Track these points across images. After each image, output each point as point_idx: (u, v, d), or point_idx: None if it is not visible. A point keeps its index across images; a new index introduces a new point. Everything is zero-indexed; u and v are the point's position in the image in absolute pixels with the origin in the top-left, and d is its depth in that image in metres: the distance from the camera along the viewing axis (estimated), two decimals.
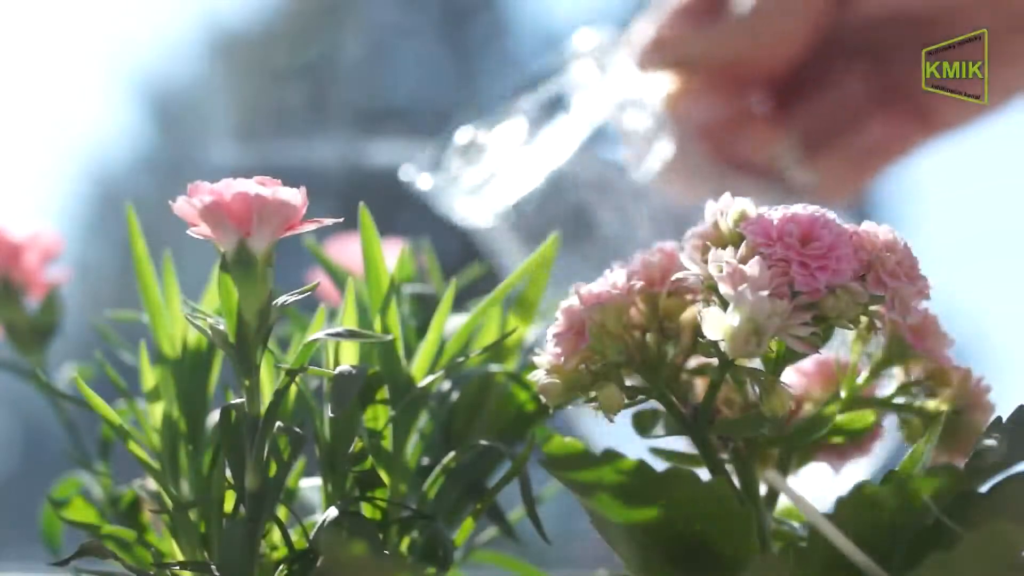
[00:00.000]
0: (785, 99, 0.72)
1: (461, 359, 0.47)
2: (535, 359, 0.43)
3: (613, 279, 0.43)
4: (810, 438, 0.44)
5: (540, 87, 0.66)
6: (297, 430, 0.43)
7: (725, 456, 0.43)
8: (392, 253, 0.46)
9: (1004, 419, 0.42)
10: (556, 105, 0.64)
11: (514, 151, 0.61)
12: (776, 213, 0.40)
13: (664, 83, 0.70)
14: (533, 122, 0.63)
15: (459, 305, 0.48)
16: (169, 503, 0.45)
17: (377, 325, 0.45)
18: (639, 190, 0.65)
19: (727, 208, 0.43)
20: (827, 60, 0.71)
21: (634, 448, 0.41)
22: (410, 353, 0.46)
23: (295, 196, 0.40)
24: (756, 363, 0.42)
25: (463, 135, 0.63)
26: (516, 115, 0.64)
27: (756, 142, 0.71)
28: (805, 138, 0.71)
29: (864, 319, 0.41)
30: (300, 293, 0.42)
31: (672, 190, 0.66)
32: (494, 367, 0.50)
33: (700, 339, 0.42)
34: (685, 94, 0.70)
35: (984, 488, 0.39)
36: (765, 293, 0.38)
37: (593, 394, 0.42)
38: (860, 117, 0.71)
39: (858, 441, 0.48)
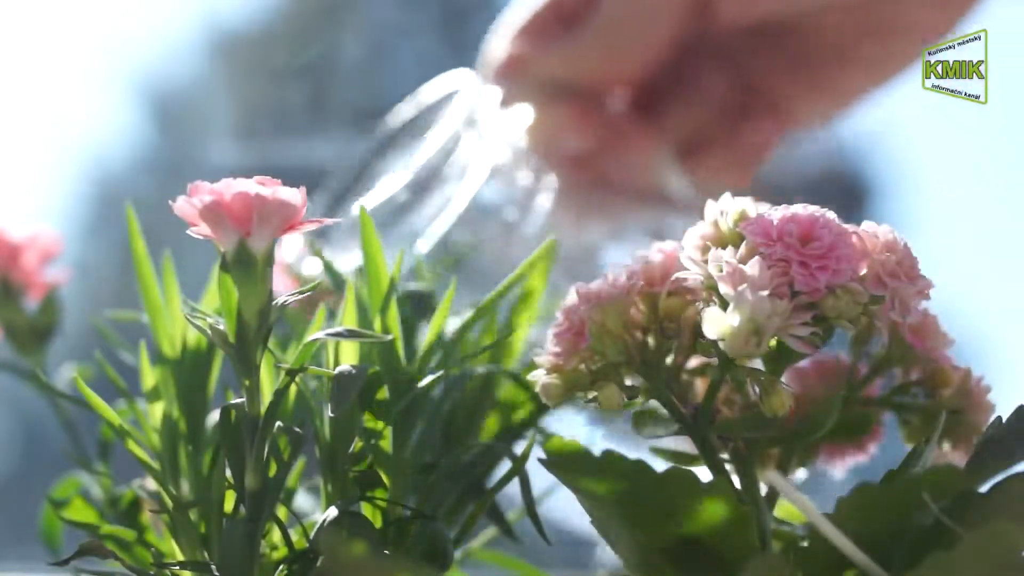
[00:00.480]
0: (650, 111, 0.71)
1: (461, 359, 0.47)
2: (535, 359, 0.43)
3: (613, 279, 0.43)
4: (810, 438, 0.44)
5: (406, 142, 0.64)
6: (297, 430, 0.43)
7: (725, 456, 0.43)
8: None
9: (1004, 419, 0.42)
10: (437, 162, 0.62)
11: (400, 221, 0.59)
12: (776, 213, 0.40)
13: (526, 115, 0.67)
14: (414, 185, 0.61)
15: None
16: (169, 503, 0.45)
17: (377, 325, 0.45)
18: (509, 224, 0.63)
19: (727, 208, 0.43)
20: (690, 68, 0.71)
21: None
22: (410, 353, 0.46)
23: (295, 196, 0.40)
24: (756, 363, 0.42)
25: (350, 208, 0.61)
26: (394, 176, 0.63)
27: (633, 160, 0.70)
28: (678, 149, 0.71)
29: (864, 319, 0.41)
30: (300, 293, 0.42)
31: (561, 229, 0.65)
32: (494, 367, 0.50)
33: (700, 339, 0.42)
34: (548, 123, 0.68)
35: (984, 488, 0.39)
36: (765, 293, 0.38)
37: (593, 394, 0.42)
38: (730, 123, 0.72)
39: (858, 441, 0.48)
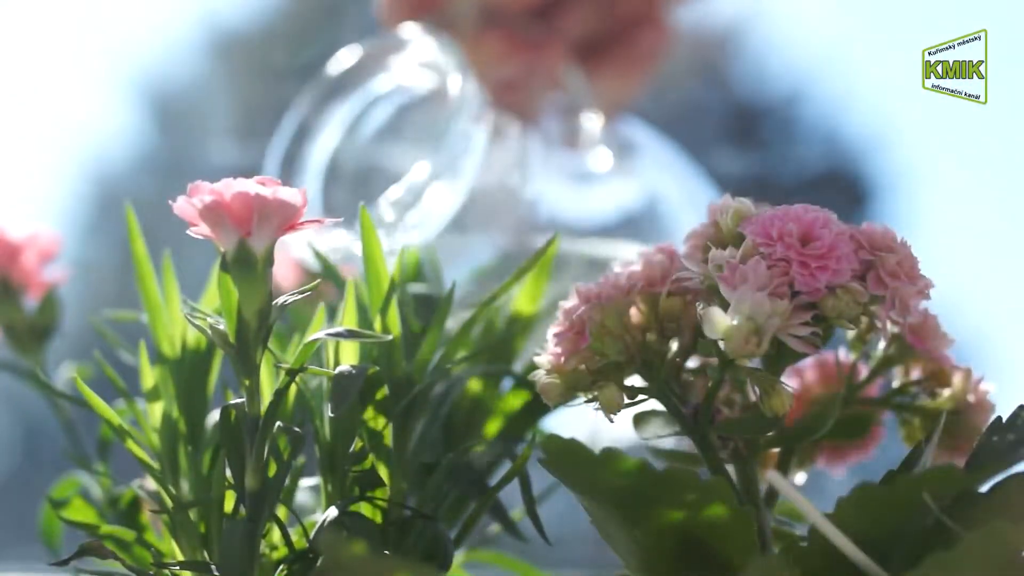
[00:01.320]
0: (549, 20, 0.71)
1: (461, 359, 0.47)
2: (535, 359, 0.43)
3: (613, 279, 0.43)
4: (810, 438, 0.44)
5: (347, 92, 0.64)
6: (297, 430, 0.43)
7: (725, 456, 0.43)
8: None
9: (1004, 419, 0.42)
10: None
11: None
12: (776, 213, 0.40)
13: (462, 49, 0.64)
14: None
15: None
16: (169, 503, 0.45)
17: (377, 325, 0.45)
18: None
19: (727, 207, 0.43)
20: None
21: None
22: (410, 353, 0.46)
23: (295, 196, 0.40)
24: (756, 363, 0.42)
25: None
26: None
27: (546, 72, 0.69)
28: (577, 56, 0.71)
29: (864, 319, 0.41)
30: (300, 293, 0.42)
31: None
32: (494, 367, 0.50)
33: (700, 339, 0.42)
34: (486, 54, 0.66)
35: (984, 488, 0.39)
36: (765, 293, 0.38)
37: (593, 394, 0.42)
38: (620, 26, 0.72)
39: (858, 441, 0.48)
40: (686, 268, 0.41)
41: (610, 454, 0.38)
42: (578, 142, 0.69)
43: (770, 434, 0.42)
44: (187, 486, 0.46)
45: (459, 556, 0.51)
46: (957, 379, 0.45)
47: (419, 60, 0.62)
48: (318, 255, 0.54)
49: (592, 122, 0.69)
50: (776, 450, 0.46)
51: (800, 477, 0.49)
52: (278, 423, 0.42)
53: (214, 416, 0.46)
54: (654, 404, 0.43)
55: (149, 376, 0.46)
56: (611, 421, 0.42)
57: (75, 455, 0.52)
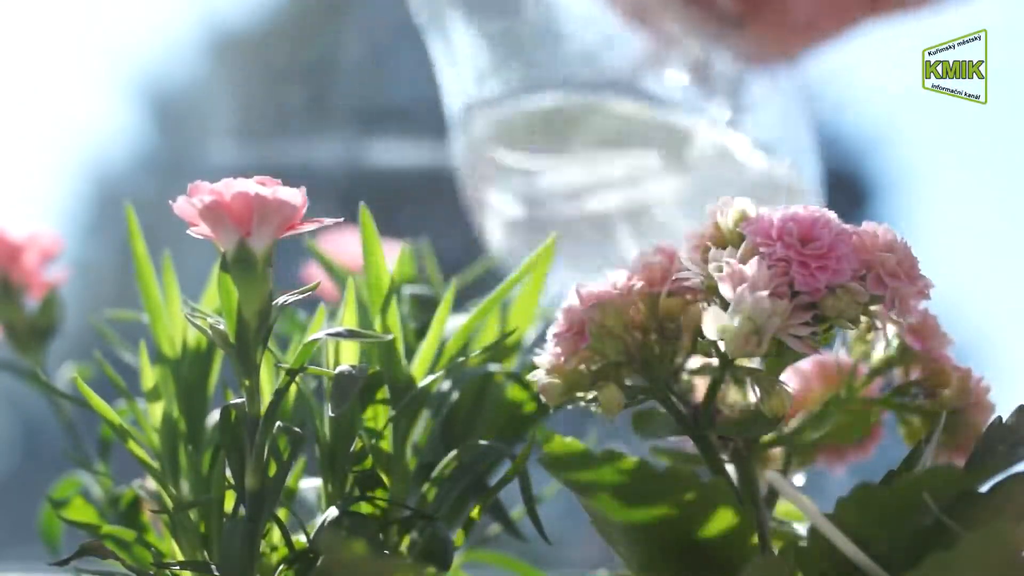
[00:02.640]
0: None
1: (461, 359, 0.47)
2: (535, 359, 0.43)
3: (613, 279, 0.43)
4: (810, 438, 0.44)
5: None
6: (297, 430, 0.43)
7: (725, 456, 0.43)
8: (392, 253, 0.46)
9: (1004, 419, 0.42)
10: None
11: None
12: (776, 213, 0.40)
13: None
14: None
15: (459, 305, 0.48)
16: (169, 503, 0.45)
17: (377, 325, 0.45)
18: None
19: (727, 208, 0.43)
20: None
21: None
22: (410, 353, 0.46)
23: (295, 196, 0.40)
24: (756, 363, 0.42)
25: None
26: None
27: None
28: (736, 5, 0.70)
29: (864, 319, 0.41)
30: (300, 293, 0.42)
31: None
32: (494, 367, 0.50)
33: (700, 339, 0.42)
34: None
35: (984, 488, 0.39)
36: (765, 293, 0.38)
37: (593, 394, 0.42)
38: None
39: (858, 441, 0.48)
40: (686, 268, 0.41)
41: (610, 453, 0.38)
42: (708, 80, 0.69)
43: (770, 434, 0.42)
44: (187, 486, 0.46)
45: (459, 556, 0.51)
46: (957, 379, 0.45)
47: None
48: (320, 257, 0.54)
49: (726, 66, 0.69)
50: (776, 450, 0.46)
51: (800, 477, 0.49)
52: (278, 423, 0.42)
53: (214, 416, 0.46)
54: (654, 404, 0.43)
55: (149, 376, 0.46)
56: (611, 422, 0.42)
57: (75, 455, 0.52)
